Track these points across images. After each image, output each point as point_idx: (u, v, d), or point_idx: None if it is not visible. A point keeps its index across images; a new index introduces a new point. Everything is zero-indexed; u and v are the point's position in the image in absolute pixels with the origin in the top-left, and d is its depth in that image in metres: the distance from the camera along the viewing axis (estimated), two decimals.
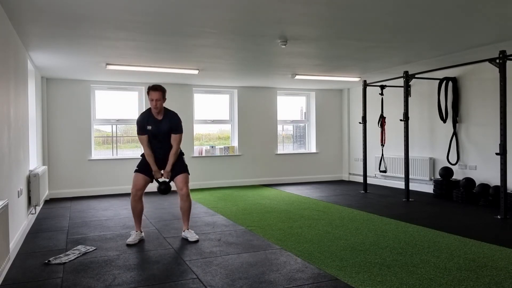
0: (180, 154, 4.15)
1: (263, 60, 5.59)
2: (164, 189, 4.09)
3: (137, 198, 4.01)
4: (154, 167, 4.03)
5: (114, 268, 3.24)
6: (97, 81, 7.22)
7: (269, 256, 3.49)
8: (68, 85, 7.06)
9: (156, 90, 3.85)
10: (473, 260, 3.28)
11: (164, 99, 3.92)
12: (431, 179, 6.86)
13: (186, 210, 4.09)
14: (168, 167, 4.04)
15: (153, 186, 4.31)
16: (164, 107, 4.00)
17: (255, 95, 8.41)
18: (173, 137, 4.00)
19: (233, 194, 7.11)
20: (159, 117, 3.96)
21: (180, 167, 4.09)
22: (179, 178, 4.05)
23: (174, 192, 4.51)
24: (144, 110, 7.42)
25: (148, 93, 3.88)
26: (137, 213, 4.05)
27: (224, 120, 8.43)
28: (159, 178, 4.10)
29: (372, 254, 3.50)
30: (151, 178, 4.07)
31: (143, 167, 4.04)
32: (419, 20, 3.81)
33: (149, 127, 3.94)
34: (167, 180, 4.13)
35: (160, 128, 3.95)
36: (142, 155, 4.11)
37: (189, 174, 4.14)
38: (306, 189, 7.60)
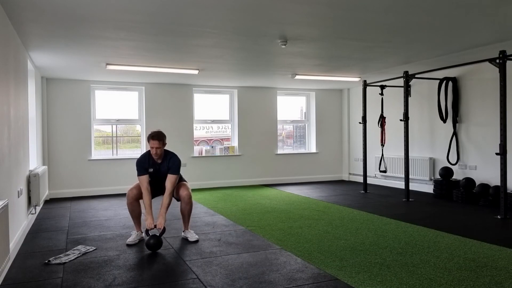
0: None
1: (263, 60, 5.59)
2: (153, 245, 3.65)
3: (132, 200, 3.98)
4: (148, 211, 3.85)
5: (114, 268, 3.24)
6: (97, 81, 7.22)
7: (269, 256, 3.50)
8: (68, 85, 7.06)
9: (155, 139, 3.88)
10: (473, 260, 3.28)
11: (164, 145, 3.96)
12: (431, 179, 6.86)
13: (187, 212, 4.09)
14: (162, 209, 3.86)
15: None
16: (164, 150, 4.02)
17: (255, 95, 8.41)
18: (169, 177, 3.93)
19: (233, 194, 7.11)
20: (159, 161, 3.99)
21: (180, 179, 4.13)
22: (180, 184, 4.09)
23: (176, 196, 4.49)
24: (144, 107, 7.50)
25: (148, 141, 3.92)
26: (136, 215, 4.07)
27: (224, 120, 8.43)
28: (150, 227, 3.79)
29: (372, 254, 3.50)
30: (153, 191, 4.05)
31: (143, 170, 3.97)
32: (419, 20, 3.81)
33: (150, 170, 3.97)
34: (158, 234, 3.76)
35: (160, 170, 3.99)
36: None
37: (186, 182, 4.19)
38: (306, 189, 7.59)
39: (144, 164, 3.96)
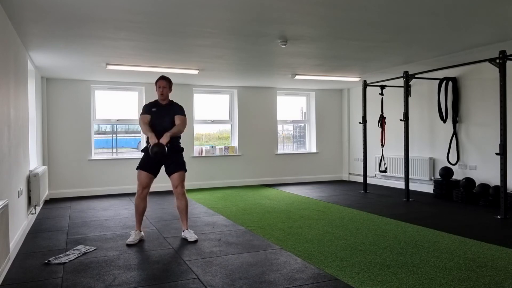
0: (180, 150, 4.15)
1: (263, 60, 5.59)
2: (157, 151, 3.78)
3: (142, 196, 4.05)
4: (153, 139, 3.86)
5: (114, 268, 3.24)
6: (97, 81, 7.22)
7: (269, 256, 3.49)
8: (68, 85, 7.06)
9: (164, 79, 4.15)
10: (473, 260, 3.28)
11: (170, 89, 4.19)
12: (431, 179, 6.86)
13: (183, 209, 4.09)
14: (164, 137, 3.86)
15: (155, 187, 4.30)
16: (170, 100, 4.23)
17: (255, 95, 8.41)
18: (177, 117, 4.08)
19: (233, 194, 7.11)
20: (164, 103, 4.16)
21: (178, 165, 4.07)
22: (175, 175, 4.04)
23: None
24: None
25: (156, 83, 4.14)
26: (140, 211, 4.07)
27: (224, 120, 8.43)
28: (154, 143, 3.84)
29: (372, 254, 3.50)
30: (154, 174, 4.07)
31: (145, 165, 4.04)
32: (419, 20, 3.81)
33: (154, 109, 4.10)
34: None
35: (164, 111, 4.09)
36: (143, 150, 4.12)
37: (186, 171, 4.14)
38: (306, 189, 7.59)
39: (148, 105, 4.16)
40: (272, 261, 3.36)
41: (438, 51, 5.12)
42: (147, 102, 4.31)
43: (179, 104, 4.26)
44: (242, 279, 2.94)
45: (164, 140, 3.87)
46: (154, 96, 7.57)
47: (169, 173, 4.07)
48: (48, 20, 3.62)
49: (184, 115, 4.17)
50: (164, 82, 4.11)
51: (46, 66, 5.80)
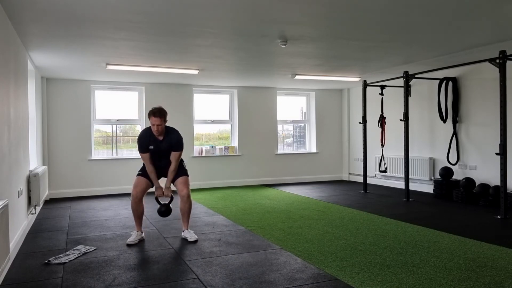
0: (180, 161, 4.18)
1: (263, 60, 5.59)
2: (164, 211, 4.12)
3: (137, 200, 4.02)
4: (156, 183, 4.08)
5: (114, 268, 3.24)
6: (97, 81, 7.22)
7: (269, 256, 3.50)
8: (68, 85, 7.06)
9: (157, 116, 3.85)
10: (473, 260, 3.28)
11: (165, 122, 3.94)
12: (431, 179, 6.86)
13: (186, 211, 4.10)
14: (168, 183, 4.10)
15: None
16: (165, 126, 4.01)
17: (255, 95, 8.41)
18: (173, 154, 4.01)
19: (233, 194, 7.11)
20: (160, 138, 4.00)
21: (181, 171, 4.14)
22: (180, 180, 4.09)
23: (175, 192, 4.51)
24: (144, 107, 7.48)
25: (149, 117, 3.90)
26: (138, 214, 4.07)
27: (224, 120, 8.43)
28: (160, 196, 4.11)
29: (372, 254, 3.50)
30: (152, 183, 4.11)
31: (146, 172, 4.07)
32: (419, 20, 3.81)
33: (151, 147, 3.98)
34: (167, 202, 4.17)
35: (162, 147, 4.01)
36: None
37: (188, 176, 4.18)
38: (306, 189, 7.59)
39: (144, 140, 3.98)
40: (272, 261, 3.36)
41: (438, 51, 5.12)
42: (142, 133, 4.06)
43: (175, 130, 4.06)
44: (242, 279, 2.95)
45: (168, 191, 4.11)
46: (154, 97, 7.60)
47: (173, 179, 4.13)
48: (48, 20, 3.62)
49: (181, 148, 4.02)
50: (158, 120, 3.83)
51: (46, 66, 5.80)
